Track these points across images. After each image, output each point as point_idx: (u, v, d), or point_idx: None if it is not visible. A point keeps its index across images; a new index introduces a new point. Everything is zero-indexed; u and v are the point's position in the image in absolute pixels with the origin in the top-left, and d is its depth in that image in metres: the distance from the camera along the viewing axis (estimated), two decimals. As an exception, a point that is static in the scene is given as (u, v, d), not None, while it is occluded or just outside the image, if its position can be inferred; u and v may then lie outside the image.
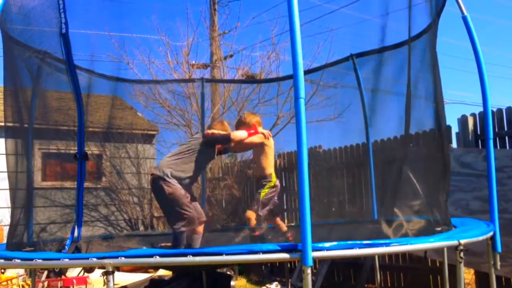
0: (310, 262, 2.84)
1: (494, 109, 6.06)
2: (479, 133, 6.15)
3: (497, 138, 5.92)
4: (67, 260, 3.28)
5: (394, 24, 4.25)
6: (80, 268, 6.04)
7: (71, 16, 3.80)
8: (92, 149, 7.68)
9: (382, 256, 6.64)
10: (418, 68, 4.05)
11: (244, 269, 8.48)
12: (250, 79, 9.85)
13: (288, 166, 8.87)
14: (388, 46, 4.59)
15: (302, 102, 2.75)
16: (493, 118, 5.94)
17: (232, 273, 7.44)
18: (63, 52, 3.77)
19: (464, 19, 4.06)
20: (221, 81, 9.87)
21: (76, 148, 6.02)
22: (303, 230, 2.83)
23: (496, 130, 5.91)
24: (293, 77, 2.76)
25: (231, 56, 10.92)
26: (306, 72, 6.81)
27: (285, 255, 2.99)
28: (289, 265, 7.87)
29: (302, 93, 2.74)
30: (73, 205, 7.41)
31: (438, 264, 6.25)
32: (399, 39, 4.58)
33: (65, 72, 4.02)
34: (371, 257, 6.34)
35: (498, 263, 3.96)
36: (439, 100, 3.95)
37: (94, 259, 3.19)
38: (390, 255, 6.94)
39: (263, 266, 8.52)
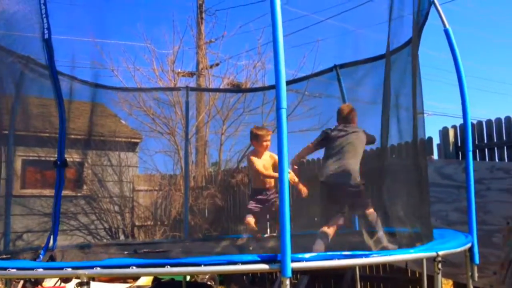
0: (289, 273, 2.82)
1: (474, 122, 6.14)
2: (459, 145, 6.22)
3: (477, 150, 5.98)
4: (41, 270, 3.20)
5: (378, 36, 4.28)
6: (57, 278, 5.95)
7: (54, 22, 3.76)
8: (73, 156, 7.59)
9: (362, 267, 6.65)
10: (399, 79, 4.08)
11: (225, 279, 8.41)
12: (235, 88, 9.86)
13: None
14: (372, 57, 4.63)
15: (283, 112, 2.75)
16: (473, 130, 6.01)
17: (213, 283, 7.38)
18: (45, 57, 3.72)
19: (446, 32, 4.11)
20: (205, 89, 9.87)
21: (55, 155, 5.94)
22: (282, 241, 2.81)
23: (476, 142, 5.98)
24: (275, 87, 2.76)
25: (217, 64, 10.95)
26: (291, 82, 6.84)
27: (264, 266, 2.96)
28: (270, 276, 7.83)
29: (284, 103, 2.74)
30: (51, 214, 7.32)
31: (417, 275, 6.27)
32: (383, 51, 4.61)
33: (48, 77, 3.96)
34: (351, 268, 6.34)
35: (476, 275, 3.99)
36: (419, 112, 3.99)
37: (69, 269, 3.11)
38: (370, 266, 6.94)
39: (244, 277, 8.46)
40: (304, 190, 4.83)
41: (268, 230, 8.54)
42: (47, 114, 5.96)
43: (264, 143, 5.07)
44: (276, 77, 2.81)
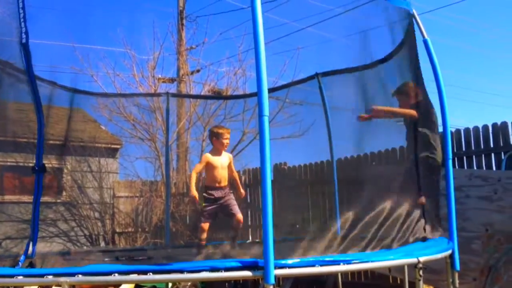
0: (272, 280, 2.82)
1: (453, 130, 6.25)
2: (438, 153, 6.32)
3: (456, 158, 6.08)
4: (21, 277, 3.14)
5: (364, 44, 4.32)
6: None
7: (32, 26, 3.70)
8: (52, 162, 7.47)
9: (345, 273, 6.67)
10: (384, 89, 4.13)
11: (207, 285, 8.36)
12: (216, 95, 9.84)
13: (253, 182, 8.86)
14: (357, 66, 4.67)
15: (266, 119, 2.76)
16: (452, 138, 6.11)
17: (194, 289, 7.32)
18: (23, 62, 3.67)
19: (425, 42, 4.18)
20: (186, 96, 9.82)
21: (33, 161, 5.83)
22: (265, 247, 2.81)
23: (455, 150, 6.08)
24: (257, 94, 2.77)
25: (198, 71, 10.92)
26: (272, 90, 6.86)
27: (247, 273, 2.95)
28: (253, 281, 7.80)
29: (266, 111, 2.76)
30: (30, 220, 7.18)
31: (399, 281, 6.33)
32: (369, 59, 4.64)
33: (26, 82, 3.91)
34: (334, 274, 6.36)
35: (457, 281, 4.03)
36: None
37: (50, 276, 3.06)
38: (352, 272, 6.98)
39: (226, 283, 8.42)
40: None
41: (250, 237, 8.55)
42: (24, 119, 5.87)
43: (225, 141, 5.11)
44: (258, 84, 2.81)
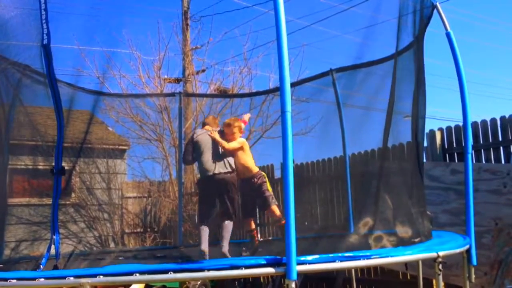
0: (295, 276, 2.86)
1: (460, 124, 6.25)
2: (446, 147, 6.33)
3: (463, 152, 6.09)
4: (42, 279, 3.15)
5: (371, 41, 4.34)
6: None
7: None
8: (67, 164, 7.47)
9: (354, 270, 6.69)
10: (399, 83, 4.13)
11: (217, 284, 8.37)
12: (229, 94, 9.80)
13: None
14: (370, 61, 4.66)
15: (288, 115, 2.78)
16: (459, 132, 6.14)
17: (205, 288, 7.33)
18: (43, 63, 3.67)
19: (448, 35, 4.17)
20: (198, 95, 9.78)
21: (43, 163, 5.85)
22: (287, 244, 2.84)
23: (463, 144, 6.08)
24: (279, 91, 2.79)
25: (203, 71, 10.89)
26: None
27: (270, 269, 2.98)
28: (262, 280, 7.83)
29: (289, 107, 2.78)
30: (40, 222, 7.19)
31: (409, 277, 6.33)
32: (378, 55, 4.65)
33: (45, 84, 3.92)
34: (343, 271, 6.37)
35: (473, 276, 4.04)
36: (419, 115, 4.04)
37: (71, 278, 3.08)
38: (362, 269, 6.99)
39: (236, 282, 8.43)
40: None
41: (258, 235, 8.55)
42: (33, 122, 5.88)
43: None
44: (281, 81, 2.85)
